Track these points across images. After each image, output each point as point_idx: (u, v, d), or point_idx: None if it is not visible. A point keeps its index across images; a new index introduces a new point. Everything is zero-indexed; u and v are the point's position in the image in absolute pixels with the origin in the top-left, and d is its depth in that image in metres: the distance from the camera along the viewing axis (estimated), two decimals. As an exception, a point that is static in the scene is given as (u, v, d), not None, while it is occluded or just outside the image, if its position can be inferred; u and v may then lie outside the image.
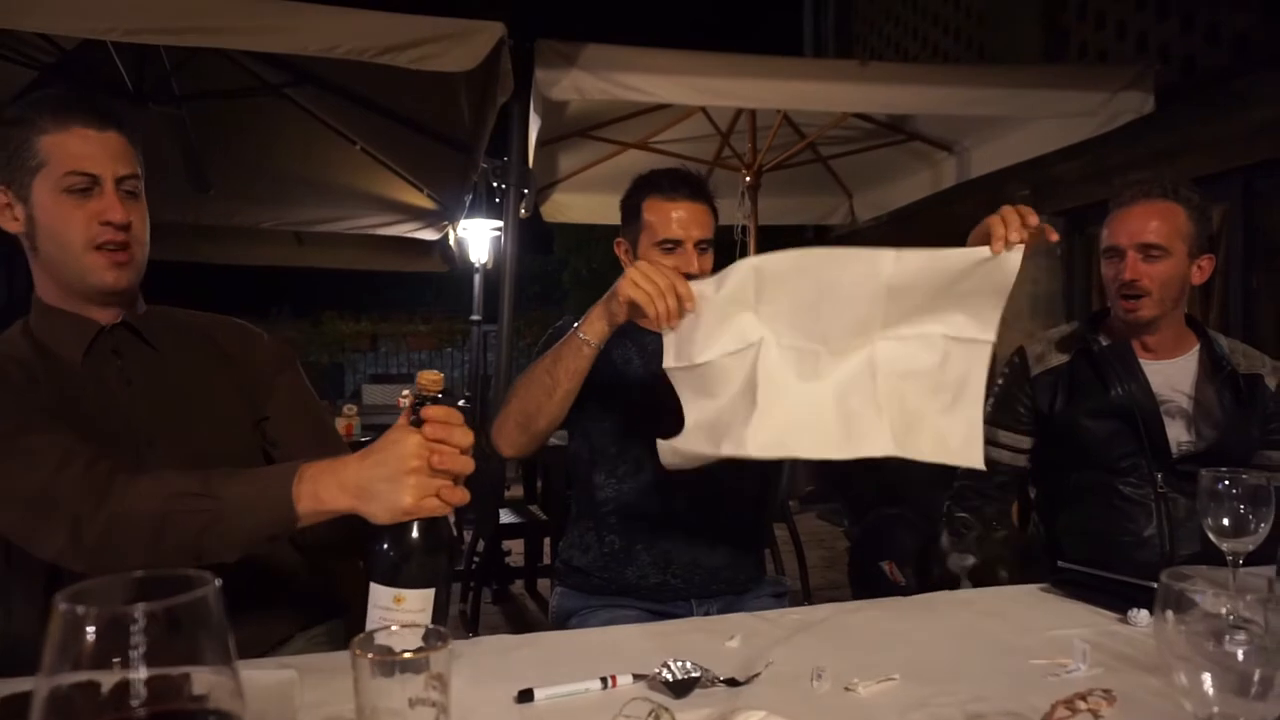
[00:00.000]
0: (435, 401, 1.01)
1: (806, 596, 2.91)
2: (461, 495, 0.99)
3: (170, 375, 1.29)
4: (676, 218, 1.70)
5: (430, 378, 1.02)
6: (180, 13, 2.43)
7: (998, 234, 1.34)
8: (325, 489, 1.01)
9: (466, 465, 0.99)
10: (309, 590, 1.38)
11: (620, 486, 1.70)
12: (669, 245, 1.70)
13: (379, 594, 0.97)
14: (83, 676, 0.44)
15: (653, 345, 1.75)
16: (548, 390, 1.49)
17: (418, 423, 0.99)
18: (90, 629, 0.43)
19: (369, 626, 0.97)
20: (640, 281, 1.31)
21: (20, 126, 1.19)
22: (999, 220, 1.35)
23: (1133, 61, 4.05)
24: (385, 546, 0.97)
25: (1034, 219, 1.35)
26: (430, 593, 0.98)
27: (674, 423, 1.68)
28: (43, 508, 1.05)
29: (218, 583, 0.46)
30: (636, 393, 1.71)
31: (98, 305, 1.24)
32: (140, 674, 0.44)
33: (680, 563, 1.67)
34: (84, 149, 1.19)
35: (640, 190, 1.77)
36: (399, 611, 0.97)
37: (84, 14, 2.35)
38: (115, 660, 0.44)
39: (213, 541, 1.03)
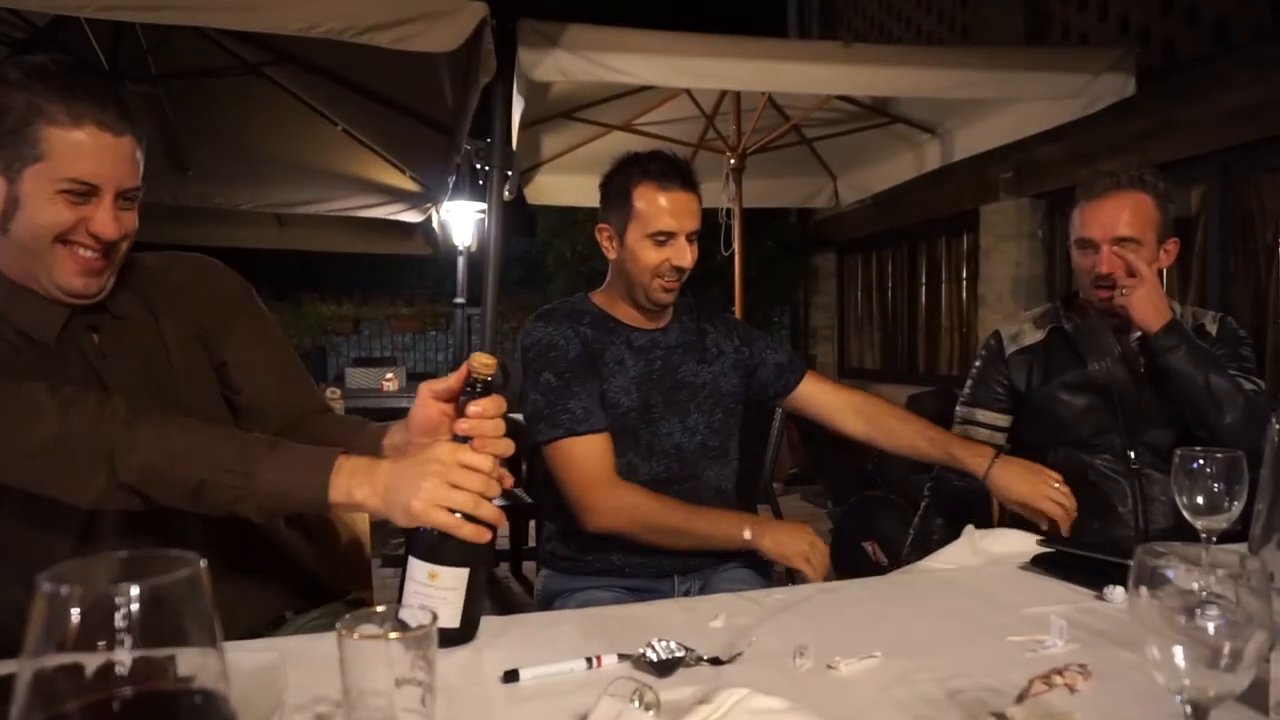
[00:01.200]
0: (474, 394, 1.02)
1: (790, 577, 2.93)
2: (490, 512, 0.99)
3: (146, 345, 1.25)
4: (670, 208, 1.64)
5: (480, 361, 1.03)
6: (156, -11, 2.38)
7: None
8: (359, 487, 1.02)
9: (489, 487, 0.99)
10: (305, 571, 1.38)
11: None
12: (662, 237, 1.65)
13: (415, 568, 1.00)
14: (67, 658, 0.44)
15: (639, 342, 1.75)
16: None
17: (467, 400, 1.02)
18: (75, 610, 0.43)
19: (404, 600, 1.00)
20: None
21: (22, 95, 1.07)
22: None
23: (1114, 44, 4.06)
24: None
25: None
26: (464, 572, 1.00)
27: (666, 424, 1.70)
28: (63, 451, 1.03)
29: (203, 563, 0.46)
30: (634, 396, 1.70)
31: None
32: (125, 655, 0.44)
33: (661, 549, 1.66)
34: (92, 156, 1.09)
35: (628, 174, 1.69)
36: (433, 587, 0.99)
37: (57, -10, 2.31)
38: (100, 641, 0.44)
39: (243, 510, 1.05)
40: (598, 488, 1.58)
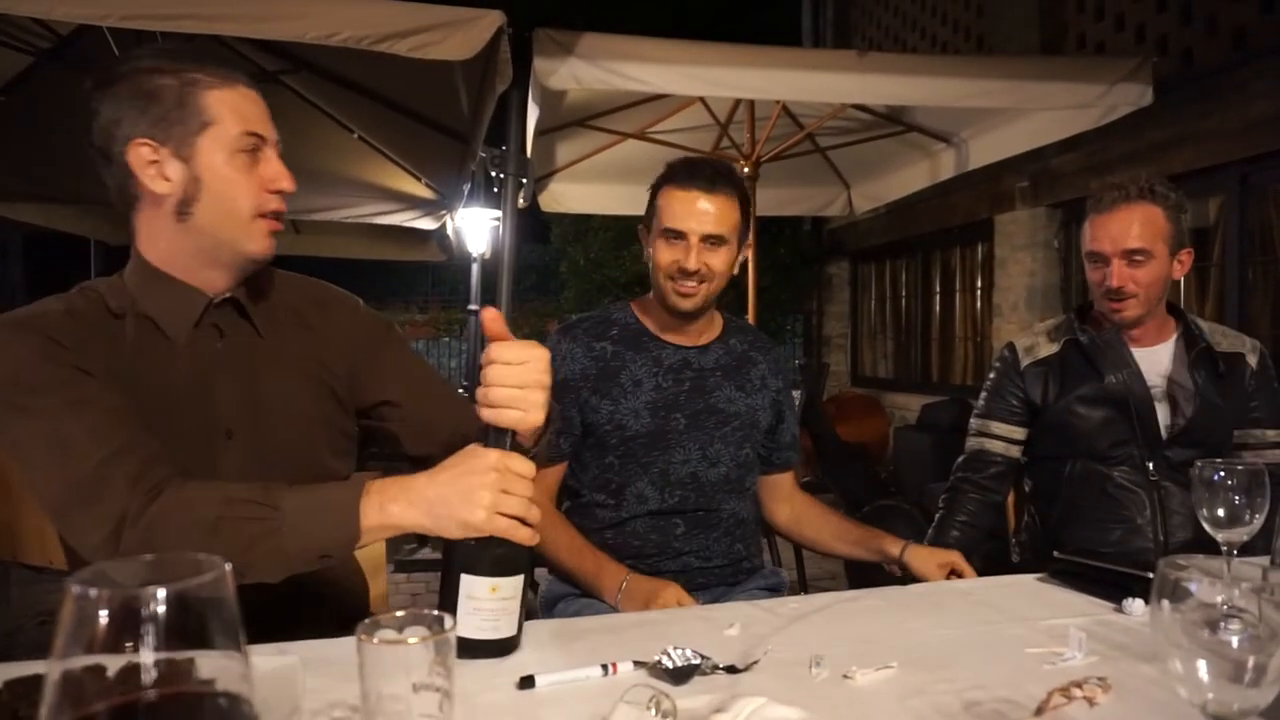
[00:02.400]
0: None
1: (803, 586, 2.92)
2: (538, 514, 1.00)
3: (262, 362, 1.21)
4: (683, 208, 1.63)
5: (491, 315, 1.05)
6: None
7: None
8: (394, 502, 1.00)
9: (530, 489, 1.00)
10: (345, 599, 1.36)
11: (618, 513, 1.67)
12: (673, 235, 1.64)
13: (473, 585, 0.99)
14: (93, 660, 0.45)
15: (669, 360, 1.70)
16: None
17: None
18: (103, 612, 0.44)
19: (460, 618, 0.99)
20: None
21: (171, 77, 1.11)
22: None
23: (1131, 54, 4.04)
24: (472, 539, 0.99)
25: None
26: (521, 579, 1.02)
27: (683, 450, 1.67)
28: (88, 494, 1.00)
29: (228, 566, 0.47)
30: (646, 420, 1.66)
31: (220, 271, 1.16)
32: (150, 657, 0.45)
33: (670, 572, 1.65)
34: (252, 108, 1.15)
35: (661, 177, 1.71)
36: (495, 600, 1.00)
37: (81, 0, 2.34)
38: (127, 644, 0.44)
39: (263, 556, 0.99)
40: None
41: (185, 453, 1.11)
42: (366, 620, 0.68)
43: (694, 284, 1.64)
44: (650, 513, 1.66)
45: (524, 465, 1.00)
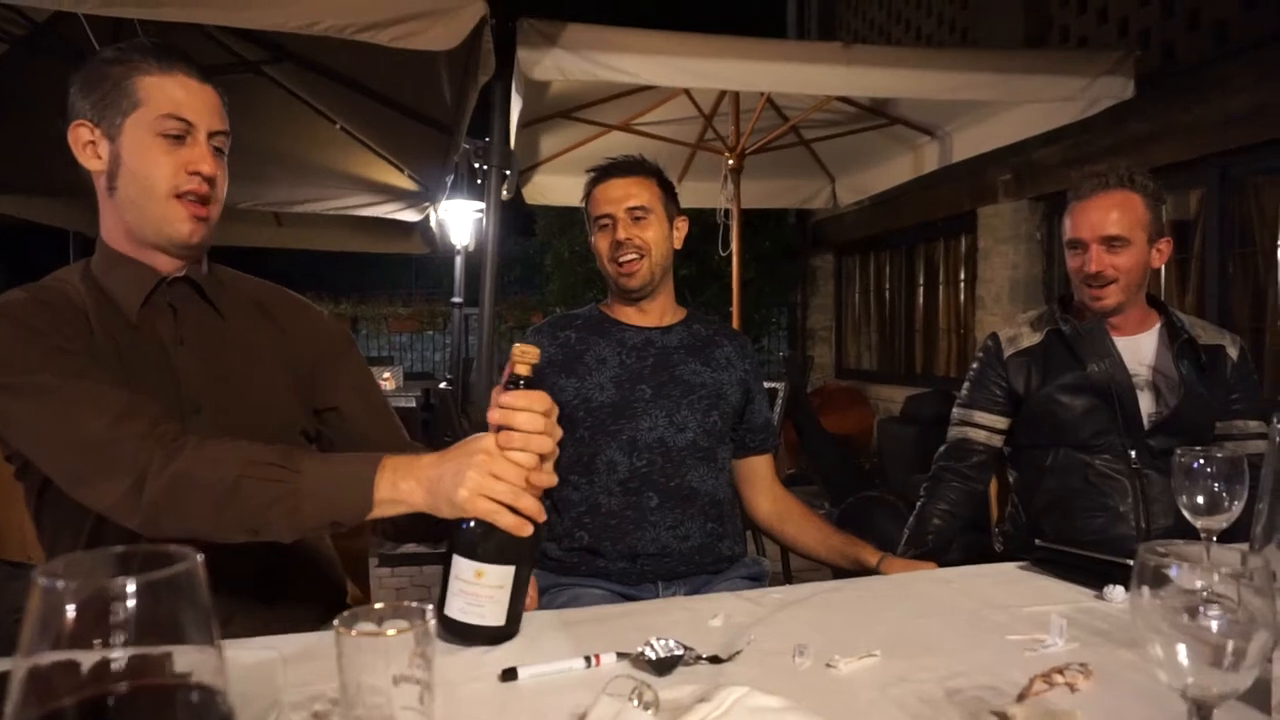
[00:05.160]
0: (516, 385, 1.02)
1: (787, 577, 2.92)
2: (530, 505, 0.99)
3: (224, 341, 1.25)
4: (605, 196, 1.79)
5: (520, 351, 1.03)
6: (156, -13, 2.38)
7: None
8: (404, 480, 1.01)
9: (538, 479, 1.00)
10: (335, 584, 1.37)
11: (592, 488, 1.70)
12: (602, 222, 1.79)
13: (461, 566, 1.00)
14: (62, 655, 0.44)
15: (632, 340, 1.78)
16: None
17: (505, 392, 1.02)
18: (70, 605, 0.43)
19: (449, 597, 1.00)
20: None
21: (118, 65, 1.17)
22: None
23: (1114, 47, 4.06)
24: (471, 522, 0.99)
25: None
26: (510, 570, 1.01)
27: (649, 418, 1.70)
28: (103, 455, 1.03)
29: (200, 557, 0.46)
30: (611, 392, 1.73)
31: (163, 253, 1.21)
32: (122, 650, 0.44)
33: (647, 553, 1.67)
34: (184, 96, 1.17)
35: (585, 186, 1.86)
36: (479, 585, 1.00)
37: (56, -14, 2.30)
38: (96, 637, 0.43)
39: (278, 517, 1.01)
40: None
41: (177, 422, 1.12)
42: (345, 613, 0.68)
43: (632, 257, 1.75)
44: (621, 483, 1.69)
45: (521, 454, 1.00)
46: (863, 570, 1.64)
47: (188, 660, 0.46)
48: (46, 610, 0.43)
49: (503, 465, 0.98)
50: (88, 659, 0.44)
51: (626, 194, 1.78)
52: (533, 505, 1.00)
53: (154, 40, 1.22)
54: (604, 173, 1.83)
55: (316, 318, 1.40)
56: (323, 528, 1.04)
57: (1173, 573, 0.66)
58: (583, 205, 1.87)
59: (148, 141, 1.16)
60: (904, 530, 2.01)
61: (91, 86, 1.18)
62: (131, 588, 0.43)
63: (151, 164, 1.16)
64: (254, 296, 1.34)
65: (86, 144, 1.18)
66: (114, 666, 0.44)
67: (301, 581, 1.30)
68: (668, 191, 1.84)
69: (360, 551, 1.65)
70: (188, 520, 1.01)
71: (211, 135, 1.20)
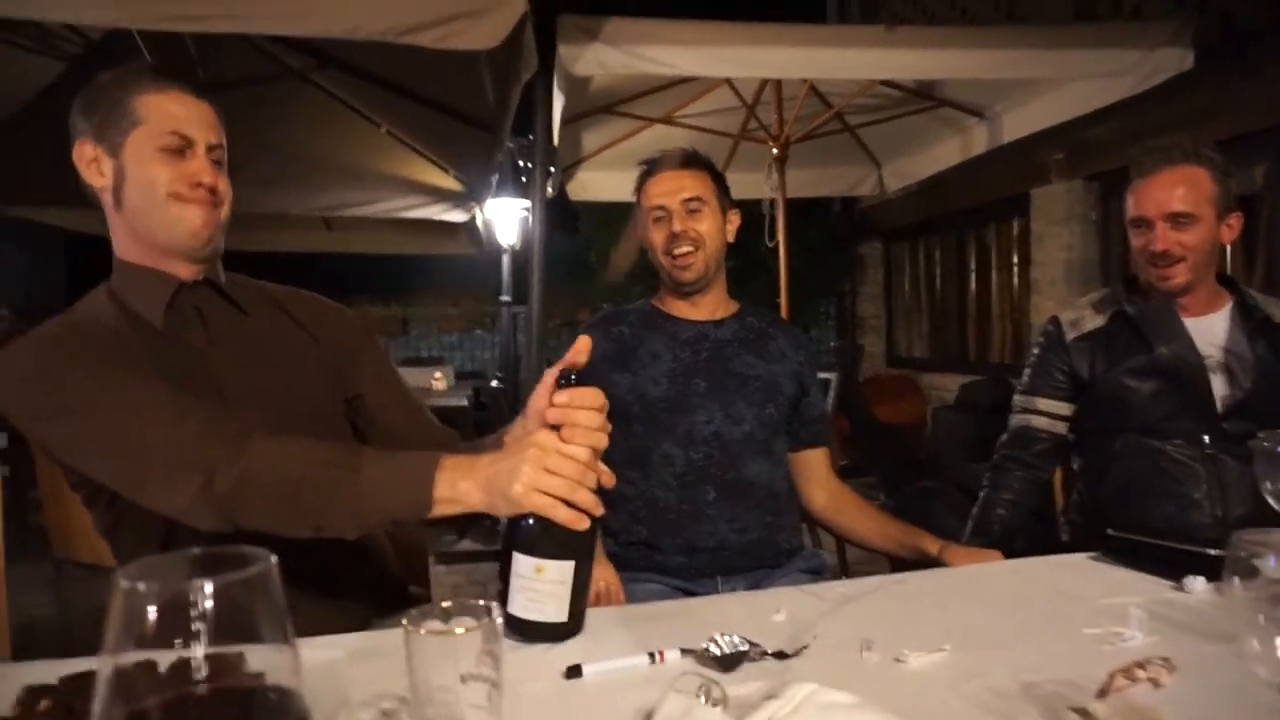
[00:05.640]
0: (567, 384, 1.03)
1: (844, 569, 2.89)
2: (586, 498, 0.99)
3: (253, 337, 1.29)
4: (660, 188, 1.78)
5: (576, 349, 1.06)
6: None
7: None
8: (463, 479, 1.02)
9: (585, 476, 0.99)
10: (389, 576, 1.40)
11: (648, 482, 1.70)
12: (657, 214, 1.78)
13: (521, 563, 1.01)
14: (144, 655, 0.44)
15: (685, 334, 1.77)
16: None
17: (561, 389, 1.03)
18: (151, 606, 0.43)
19: (511, 594, 1.02)
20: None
21: (116, 86, 1.22)
22: None
23: (1169, 17, 3.93)
24: (529, 519, 1.00)
25: None
26: (570, 565, 1.01)
27: (705, 411, 1.69)
28: (166, 460, 1.05)
29: (274, 559, 0.46)
30: (665, 386, 1.72)
31: (177, 259, 1.24)
32: (200, 651, 0.44)
33: (706, 548, 1.67)
34: (181, 111, 1.22)
35: (637, 179, 1.86)
36: (540, 581, 1.01)
37: (110, 3, 2.36)
38: (177, 638, 0.44)
39: (341, 514, 1.03)
40: None
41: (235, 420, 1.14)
42: (414, 611, 0.68)
43: (688, 250, 1.75)
44: (678, 477, 1.68)
45: (575, 448, 1.00)
46: (923, 559, 1.61)
47: (263, 660, 0.47)
48: (128, 612, 0.44)
49: (557, 460, 0.98)
50: (168, 659, 0.44)
51: (680, 186, 1.77)
52: (589, 499, 0.99)
53: (152, 64, 1.26)
54: (657, 164, 1.82)
55: (335, 312, 1.44)
56: (383, 525, 1.06)
57: (1270, 564, 0.63)
58: (635, 198, 1.86)
59: (150, 154, 1.21)
60: (966, 520, 1.97)
61: (92, 107, 1.22)
62: (209, 589, 0.43)
63: (154, 174, 1.21)
64: (272, 297, 1.39)
65: (90, 161, 1.23)
66: (194, 666, 0.44)
67: (356, 576, 1.32)
68: (720, 184, 1.83)
69: (420, 547, 1.67)
70: (257, 518, 1.03)
71: (210, 149, 1.24)
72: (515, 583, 1.01)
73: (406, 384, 1.49)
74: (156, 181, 1.20)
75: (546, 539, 1.00)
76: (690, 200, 1.76)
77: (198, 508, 1.04)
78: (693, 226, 1.75)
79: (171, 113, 1.21)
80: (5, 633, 1.50)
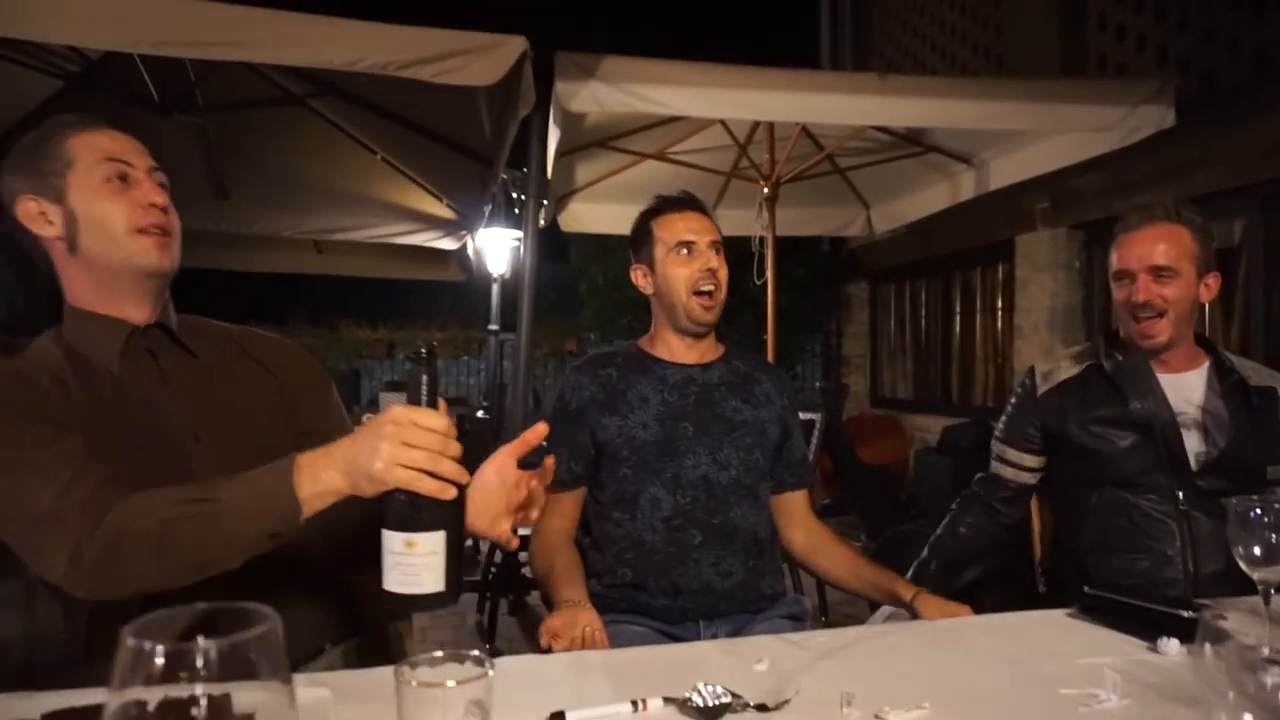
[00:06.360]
0: (417, 361, 1.01)
1: (824, 612, 2.91)
2: (450, 468, 0.97)
3: (208, 377, 1.29)
4: (685, 223, 1.80)
5: (537, 430, 1.07)
6: (207, 26, 2.45)
7: None
8: (323, 469, 1.01)
9: (445, 446, 0.97)
10: (343, 602, 1.39)
11: (635, 524, 1.71)
12: (685, 248, 1.78)
13: (391, 540, 0.98)
14: (137, 694, 0.45)
15: (673, 378, 1.79)
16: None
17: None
18: (157, 661, 0.44)
19: (385, 572, 0.98)
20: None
21: (42, 140, 1.24)
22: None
23: (1153, 75, 4.02)
24: (397, 495, 0.98)
25: None
26: (441, 535, 0.98)
27: (693, 456, 1.71)
28: (47, 528, 1.04)
29: (277, 617, 0.47)
30: (654, 430, 1.74)
31: (133, 301, 1.25)
32: (203, 693, 0.45)
33: (690, 590, 1.68)
34: (111, 143, 1.25)
35: (644, 215, 1.86)
36: (413, 555, 0.97)
37: (114, 26, 2.38)
38: (180, 691, 0.45)
39: (216, 545, 1.02)
40: (536, 533, 1.75)
41: (158, 464, 1.15)
42: (405, 661, 0.69)
43: (713, 289, 1.77)
44: (665, 519, 1.69)
45: (431, 419, 0.98)
46: (896, 603, 1.63)
47: (251, 700, 0.48)
48: (131, 668, 0.44)
49: (415, 433, 0.97)
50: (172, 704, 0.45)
51: (705, 227, 1.80)
52: (452, 469, 0.98)
53: (71, 114, 1.28)
54: (679, 202, 1.83)
55: (289, 349, 1.45)
56: (263, 543, 1.03)
57: (1232, 631, 0.65)
58: (643, 228, 1.84)
59: (95, 189, 1.22)
60: (925, 543, 2.02)
61: (23, 164, 1.23)
62: (213, 649, 0.44)
63: (106, 209, 1.21)
64: (228, 335, 1.39)
65: (37, 215, 1.22)
66: (194, 712, 0.45)
67: (304, 603, 1.30)
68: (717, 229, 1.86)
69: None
70: (130, 575, 1.02)
71: (150, 171, 1.26)
72: (388, 560, 0.97)
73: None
74: (111, 217, 1.21)
75: (415, 513, 0.98)
76: (715, 243, 1.79)
77: (72, 579, 1.03)
78: (719, 269, 1.78)
79: (103, 146, 1.24)
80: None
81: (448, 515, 1.00)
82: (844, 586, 1.82)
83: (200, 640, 0.45)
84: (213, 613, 0.48)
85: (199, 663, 0.45)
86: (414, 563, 0.97)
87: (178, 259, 1.29)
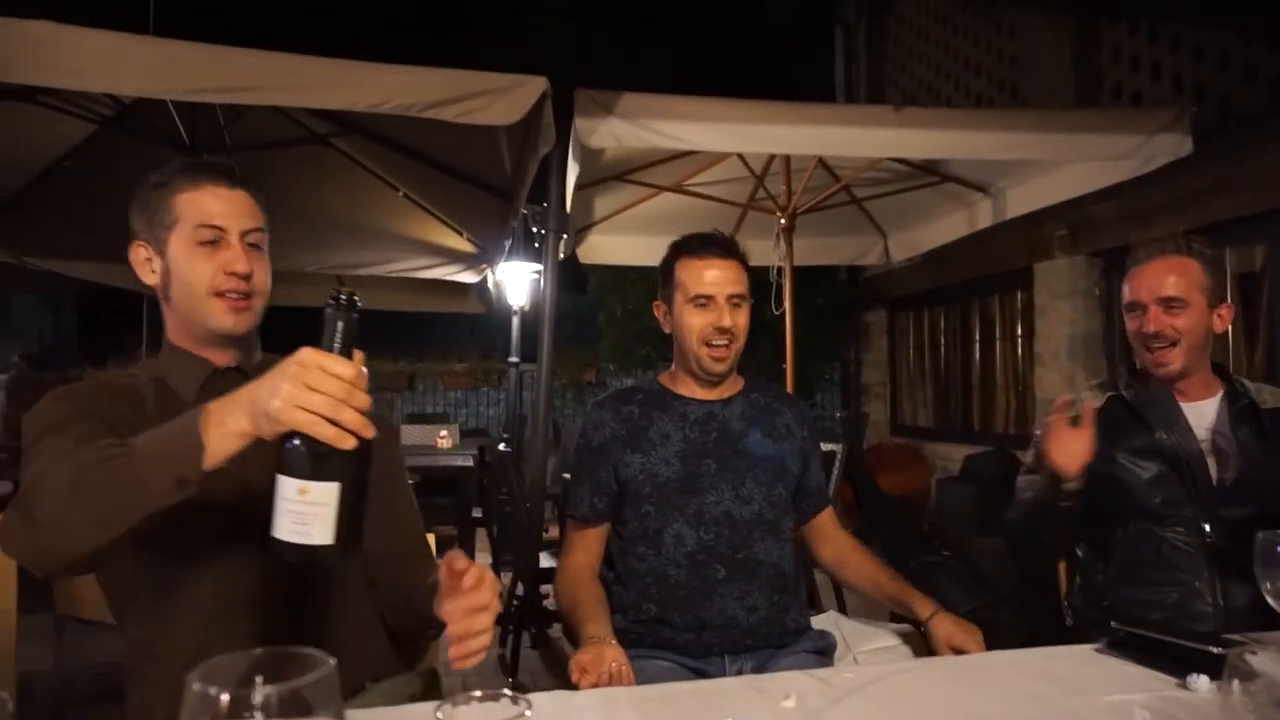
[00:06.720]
0: (336, 306, 0.98)
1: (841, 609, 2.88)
2: (352, 418, 0.94)
3: None
4: (706, 275, 1.79)
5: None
6: (238, 73, 2.52)
7: None
8: (230, 413, 0.99)
9: (350, 395, 0.95)
10: (382, 640, 1.42)
11: (659, 560, 1.72)
12: (702, 300, 1.79)
13: (285, 485, 0.95)
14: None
15: (694, 414, 1.81)
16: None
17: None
18: (222, 704, 0.47)
19: (275, 519, 0.95)
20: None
21: (159, 188, 1.34)
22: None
23: (1169, 103, 4.04)
24: (295, 440, 0.95)
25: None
26: (335, 486, 0.95)
27: (715, 492, 1.73)
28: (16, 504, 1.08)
29: (333, 662, 0.49)
30: (677, 467, 1.75)
31: (216, 348, 1.35)
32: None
33: (715, 625, 1.68)
34: (213, 205, 1.32)
35: (671, 253, 1.87)
36: (304, 503, 0.95)
37: (149, 76, 2.45)
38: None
39: (122, 492, 1.00)
40: (560, 568, 1.81)
41: (215, 490, 1.14)
42: (446, 700, 0.70)
43: (725, 343, 1.78)
44: (688, 554, 1.71)
45: (338, 365, 0.95)
46: (912, 620, 1.67)
47: None
48: (199, 710, 0.47)
49: (319, 377, 0.94)
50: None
51: (727, 277, 1.79)
52: (355, 419, 0.95)
53: (190, 160, 1.38)
54: (703, 246, 1.81)
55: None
56: (170, 491, 1.01)
57: (1261, 670, 0.65)
58: (669, 265, 1.85)
59: (188, 250, 1.31)
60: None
61: (141, 210, 1.35)
62: (274, 693, 0.47)
63: (191, 269, 1.31)
64: None
65: (144, 262, 1.35)
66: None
67: (351, 641, 1.33)
68: (749, 274, 1.85)
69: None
70: (42, 524, 1.03)
71: (245, 234, 1.33)
72: (279, 505, 0.95)
73: (411, 494, 1.54)
74: (196, 278, 1.31)
75: (310, 459, 0.95)
76: (734, 296, 1.78)
77: (11, 540, 1.07)
78: (735, 322, 1.78)
79: (204, 207, 1.31)
80: (11, 685, 1.55)
81: (345, 467, 0.96)
82: (867, 596, 1.85)
83: (261, 684, 0.47)
84: (272, 656, 0.50)
85: (260, 704, 0.47)
86: (304, 511, 0.94)
87: (256, 321, 1.37)
